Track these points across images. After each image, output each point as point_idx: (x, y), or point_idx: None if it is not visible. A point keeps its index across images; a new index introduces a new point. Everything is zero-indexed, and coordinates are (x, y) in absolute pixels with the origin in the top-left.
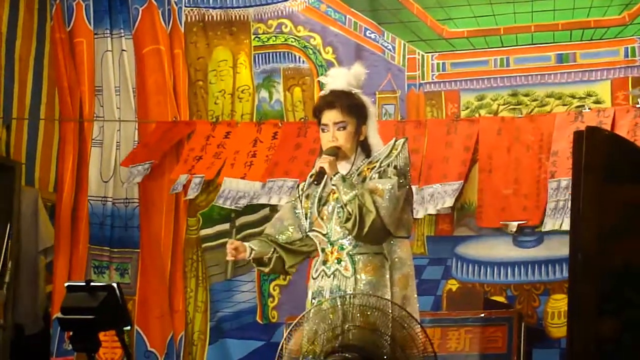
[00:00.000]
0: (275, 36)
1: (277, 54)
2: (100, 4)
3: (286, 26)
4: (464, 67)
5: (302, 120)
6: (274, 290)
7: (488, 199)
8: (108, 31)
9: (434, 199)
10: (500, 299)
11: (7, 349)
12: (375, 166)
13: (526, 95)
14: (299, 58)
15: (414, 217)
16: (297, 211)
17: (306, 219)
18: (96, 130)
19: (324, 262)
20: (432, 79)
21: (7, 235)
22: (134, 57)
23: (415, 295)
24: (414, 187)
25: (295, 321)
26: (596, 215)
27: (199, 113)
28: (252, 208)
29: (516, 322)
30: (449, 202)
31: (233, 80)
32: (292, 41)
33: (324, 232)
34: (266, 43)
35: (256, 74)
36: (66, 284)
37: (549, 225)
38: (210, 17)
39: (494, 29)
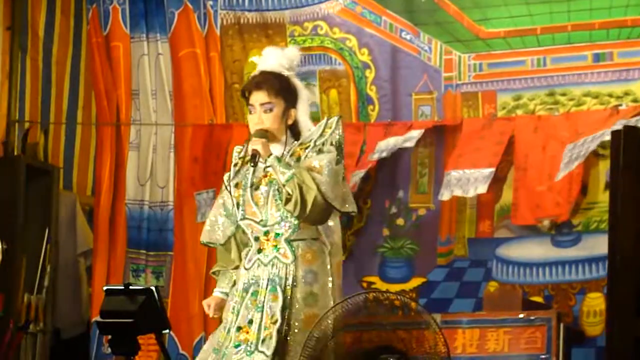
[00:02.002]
0: (311, 38)
1: (313, 56)
2: (136, 8)
3: (322, 28)
4: (501, 67)
5: None
6: None
7: (523, 197)
8: (144, 35)
9: (461, 183)
10: (538, 299)
11: (46, 353)
12: (309, 146)
13: (563, 94)
14: (335, 60)
15: (440, 199)
16: (226, 205)
17: (238, 208)
18: (133, 134)
19: (259, 251)
20: (469, 80)
21: (45, 240)
22: (170, 61)
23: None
24: None
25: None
26: (634, 215)
27: (235, 116)
28: None
29: (555, 322)
30: (482, 188)
31: None
32: (328, 43)
33: (258, 219)
34: (302, 45)
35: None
36: (105, 288)
37: (561, 174)
38: (245, 19)
39: (531, 28)
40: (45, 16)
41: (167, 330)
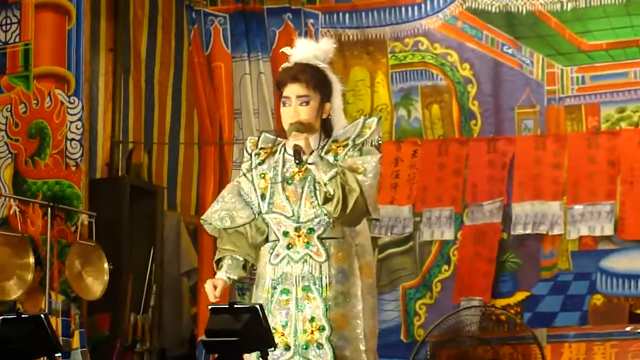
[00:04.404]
0: (412, 54)
1: (415, 72)
2: (238, 28)
3: (422, 44)
4: (604, 79)
5: (441, 137)
6: (420, 308)
7: (630, 211)
8: (246, 54)
9: (585, 219)
10: None
11: None
12: (347, 144)
13: None
14: (436, 75)
15: (567, 237)
16: (243, 193)
17: (263, 199)
18: (236, 153)
19: (289, 247)
20: (572, 93)
21: (150, 259)
22: (272, 80)
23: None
24: (557, 203)
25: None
26: None
27: None
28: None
29: None
30: (608, 229)
31: (371, 99)
32: (429, 59)
33: (289, 215)
34: (403, 61)
35: (394, 92)
36: (210, 307)
37: None
38: (346, 37)
39: (633, 40)
40: (147, 37)
41: (273, 349)
